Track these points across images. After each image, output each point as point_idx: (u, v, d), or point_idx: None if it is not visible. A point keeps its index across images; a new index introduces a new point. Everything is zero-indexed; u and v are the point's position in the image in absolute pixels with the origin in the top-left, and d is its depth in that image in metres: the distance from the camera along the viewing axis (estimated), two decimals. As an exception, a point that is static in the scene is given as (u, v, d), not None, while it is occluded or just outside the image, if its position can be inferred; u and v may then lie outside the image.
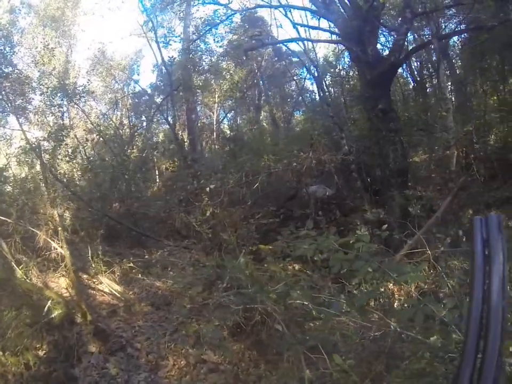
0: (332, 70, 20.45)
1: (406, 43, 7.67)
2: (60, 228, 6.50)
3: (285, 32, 24.45)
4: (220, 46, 16.22)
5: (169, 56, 12.72)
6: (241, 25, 17.94)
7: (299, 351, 3.14)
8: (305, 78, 21.54)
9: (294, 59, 19.29)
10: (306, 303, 3.45)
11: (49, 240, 6.25)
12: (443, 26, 8.64)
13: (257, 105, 21.10)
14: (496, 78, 9.37)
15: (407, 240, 6.35)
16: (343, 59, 16.23)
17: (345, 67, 15.54)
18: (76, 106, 10.16)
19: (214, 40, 16.21)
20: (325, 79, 17.64)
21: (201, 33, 14.42)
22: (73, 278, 5.44)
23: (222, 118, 19.32)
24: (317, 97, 21.01)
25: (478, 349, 0.86)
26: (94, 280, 6.28)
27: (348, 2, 7.71)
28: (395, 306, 5.08)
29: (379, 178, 7.63)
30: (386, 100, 7.43)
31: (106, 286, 5.96)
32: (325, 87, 12.12)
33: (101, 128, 9.51)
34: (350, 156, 6.97)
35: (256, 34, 10.27)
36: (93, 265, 6.56)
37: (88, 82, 11.24)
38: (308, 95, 23.75)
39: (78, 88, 9.95)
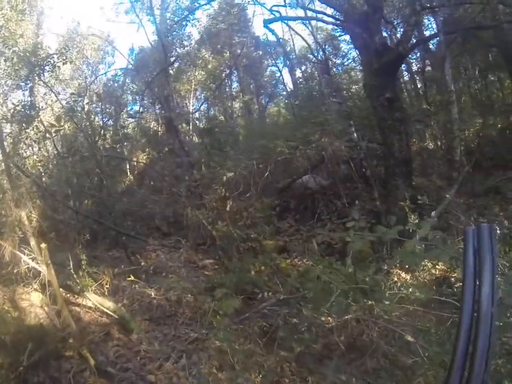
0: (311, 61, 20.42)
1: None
2: (30, 234, 5.36)
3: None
4: (199, 32, 15.20)
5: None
6: (219, 12, 17.08)
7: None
8: (281, 70, 21.13)
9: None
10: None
11: (18, 253, 5.08)
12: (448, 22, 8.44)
13: (232, 95, 20.33)
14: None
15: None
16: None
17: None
18: (43, 83, 8.64)
19: (192, 25, 15.29)
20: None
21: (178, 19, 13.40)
22: (62, 305, 4.47)
23: (196, 109, 18.36)
24: (289, 88, 20.85)
25: (467, 352, 0.89)
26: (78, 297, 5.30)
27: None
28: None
29: (383, 167, 7.27)
30: (393, 89, 7.16)
31: (94, 302, 5.03)
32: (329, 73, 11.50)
33: (71, 114, 8.23)
34: (359, 143, 6.48)
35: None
36: (77, 279, 5.56)
37: (64, 50, 9.70)
38: (282, 86, 23.47)
39: (51, 58, 8.28)
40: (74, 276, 4.95)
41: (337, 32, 13.18)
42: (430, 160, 8.19)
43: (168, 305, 5.22)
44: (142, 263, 7.30)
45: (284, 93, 23.06)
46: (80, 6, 30.21)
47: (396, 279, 5.90)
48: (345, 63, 16.47)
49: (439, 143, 8.57)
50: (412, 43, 7.42)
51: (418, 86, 11.57)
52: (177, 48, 14.46)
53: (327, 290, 3.42)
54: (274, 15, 12.68)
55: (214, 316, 4.38)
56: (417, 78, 11.47)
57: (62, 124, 7.91)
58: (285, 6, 10.74)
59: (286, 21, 11.05)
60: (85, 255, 7.89)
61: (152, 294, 5.63)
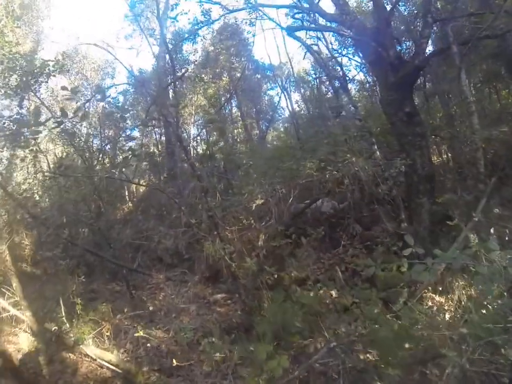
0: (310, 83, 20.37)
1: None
2: (12, 273, 4.63)
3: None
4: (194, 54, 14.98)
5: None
6: (217, 37, 17.01)
7: None
8: (281, 92, 21.00)
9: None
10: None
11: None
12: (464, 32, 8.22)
13: (232, 120, 20.04)
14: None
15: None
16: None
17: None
18: (33, 95, 7.90)
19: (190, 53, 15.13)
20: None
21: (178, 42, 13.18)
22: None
23: (196, 135, 17.99)
24: (288, 112, 20.68)
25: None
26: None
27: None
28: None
29: (405, 185, 6.76)
30: (411, 103, 6.75)
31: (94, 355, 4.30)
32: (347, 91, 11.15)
33: (66, 135, 7.65)
34: (383, 162, 5.96)
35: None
36: (71, 328, 4.83)
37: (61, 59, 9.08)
38: (282, 110, 23.32)
39: (45, 66, 7.46)
40: (67, 324, 4.19)
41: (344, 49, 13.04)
42: (451, 175, 7.70)
43: (180, 351, 4.50)
44: (145, 299, 6.61)
45: (283, 117, 22.97)
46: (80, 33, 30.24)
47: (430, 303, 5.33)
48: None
49: (446, 155, 8.16)
50: (427, 55, 7.07)
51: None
52: (177, 71, 14.18)
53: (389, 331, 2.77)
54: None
55: (240, 364, 3.67)
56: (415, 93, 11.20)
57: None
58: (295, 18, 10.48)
59: (307, 30, 10.65)
60: (82, 289, 7.25)
61: (159, 337, 4.92)
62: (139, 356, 4.57)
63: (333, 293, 5.09)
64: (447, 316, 5.24)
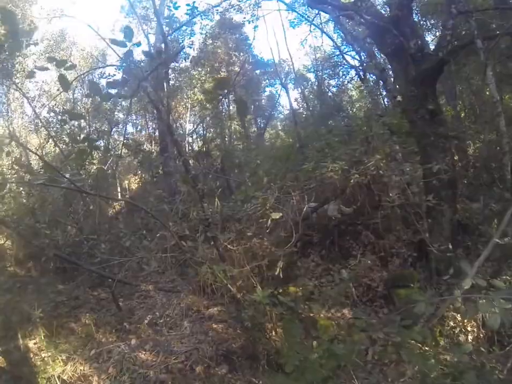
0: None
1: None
2: None
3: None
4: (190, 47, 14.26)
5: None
6: (216, 30, 16.30)
7: None
8: (281, 89, 20.40)
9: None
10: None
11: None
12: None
13: (230, 116, 19.34)
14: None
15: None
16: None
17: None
18: (18, 89, 7.22)
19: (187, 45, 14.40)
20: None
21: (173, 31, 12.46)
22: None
23: (191, 130, 17.25)
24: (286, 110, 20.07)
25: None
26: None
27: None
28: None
29: (424, 191, 6.14)
30: (434, 100, 6.12)
31: None
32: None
33: (53, 130, 6.95)
34: (403, 164, 5.34)
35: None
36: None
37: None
38: (281, 107, 22.69)
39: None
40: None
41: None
42: (475, 181, 7.13)
43: (171, 380, 3.85)
44: (133, 310, 5.94)
45: (282, 114, 22.39)
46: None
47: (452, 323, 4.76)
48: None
49: (467, 159, 7.59)
50: (451, 48, 6.48)
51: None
52: (172, 64, 13.48)
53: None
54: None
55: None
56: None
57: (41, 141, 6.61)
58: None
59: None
60: (61, 290, 6.57)
61: (148, 360, 4.27)
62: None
63: (346, 312, 4.47)
64: (470, 337, 4.71)
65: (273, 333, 4.14)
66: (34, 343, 4.77)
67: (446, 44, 6.24)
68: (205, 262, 3.78)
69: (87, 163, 10.12)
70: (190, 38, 14.11)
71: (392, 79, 7.72)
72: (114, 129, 12.05)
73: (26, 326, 5.11)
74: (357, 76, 12.82)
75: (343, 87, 18.00)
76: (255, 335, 3.97)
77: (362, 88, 15.59)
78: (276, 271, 4.85)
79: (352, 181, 4.81)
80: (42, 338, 4.90)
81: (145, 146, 15.23)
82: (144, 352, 4.41)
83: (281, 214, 4.76)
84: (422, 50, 6.28)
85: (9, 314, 5.10)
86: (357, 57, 13.06)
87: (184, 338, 4.69)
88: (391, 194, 5.30)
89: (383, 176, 5.05)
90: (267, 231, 5.21)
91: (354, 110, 17.13)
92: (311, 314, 4.46)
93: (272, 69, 19.52)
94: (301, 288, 4.90)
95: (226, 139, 18.20)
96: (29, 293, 6.32)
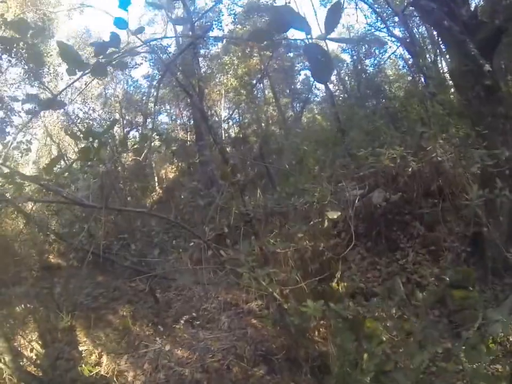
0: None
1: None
2: None
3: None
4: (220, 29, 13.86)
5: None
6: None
7: None
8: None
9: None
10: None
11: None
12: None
13: (265, 101, 18.90)
14: None
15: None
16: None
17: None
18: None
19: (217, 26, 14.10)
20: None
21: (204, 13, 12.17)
22: None
23: (227, 117, 17.04)
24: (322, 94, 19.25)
25: None
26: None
27: None
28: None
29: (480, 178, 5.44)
30: (492, 74, 5.34)
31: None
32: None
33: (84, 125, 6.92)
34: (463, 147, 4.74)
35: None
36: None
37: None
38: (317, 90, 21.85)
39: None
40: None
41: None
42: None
43: (205, 381, 3.65)
44: (170, 303, 5.84)
45: (318, 97, 21.61)
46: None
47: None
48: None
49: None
50: (508, 15, 5.66)
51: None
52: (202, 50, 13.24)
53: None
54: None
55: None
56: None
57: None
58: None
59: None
60: (99, 282, 6.63)
61: (184, 357, 4.10)
62: (158, 382, 3.77)
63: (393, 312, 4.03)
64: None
65: (317, 333, 3.82)
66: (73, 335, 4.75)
67: (501, 10, 5.46)
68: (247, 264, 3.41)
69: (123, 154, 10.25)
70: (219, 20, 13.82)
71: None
72: (149, 120, 12.00)
73: (67, 317, 5.17)
74: (394, 54, 11.88)
75: (380, 66, 16.97)
76: (298, 338, 3.66)
77: (401, 66, 14.60)
78: (319, 263, 4.49)
79: (410, 169, 4.28)
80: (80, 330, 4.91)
81: (180, 135, 15.21)
82: (180, 349, 4.26)
83: (339, 213, 4.32)
84: (476, 17, 5.52)
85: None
86: (396, 31, 12.11)
87: (222, 335, 4.49)
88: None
89: (441, 163, 4.45)
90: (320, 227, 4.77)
91: (393, 90, 16.16)
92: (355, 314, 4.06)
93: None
94: (345, 284, 4.50)
95: (263, 124, 17.86)
96: (70, 284, 6.46)
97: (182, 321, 4.91)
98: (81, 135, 2.49)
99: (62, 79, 11.20)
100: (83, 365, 4.13)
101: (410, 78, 12.86)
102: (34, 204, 7.46)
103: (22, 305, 5.14)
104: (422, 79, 12.22)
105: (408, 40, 12.03)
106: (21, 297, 5.45)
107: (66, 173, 3.33)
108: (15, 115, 9.62)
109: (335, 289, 4.40)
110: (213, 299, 5.49)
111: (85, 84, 8.33)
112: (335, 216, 4.28)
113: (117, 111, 11.50)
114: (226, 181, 4.55)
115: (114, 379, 3.86)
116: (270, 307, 4.70)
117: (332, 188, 4.92)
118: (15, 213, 6.67)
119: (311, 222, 5.01)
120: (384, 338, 3.29)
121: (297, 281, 3.81)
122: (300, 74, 21.10)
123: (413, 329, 3.72)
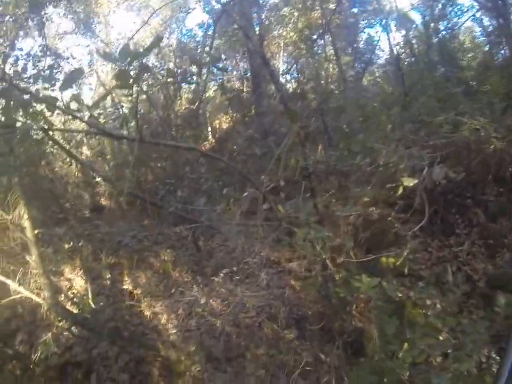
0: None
1: None
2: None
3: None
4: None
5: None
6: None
7: None
8: (381, 31, 17.93)
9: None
10: None
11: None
12: None
13: (326, 58, 17.79)
14: None
15: None
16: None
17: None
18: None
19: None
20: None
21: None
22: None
23: (285, 71, 16.26)
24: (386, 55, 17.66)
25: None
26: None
27: None
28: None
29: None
30: None
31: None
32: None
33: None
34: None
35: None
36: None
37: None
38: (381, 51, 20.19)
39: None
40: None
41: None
42: None
43: (235, 335, 3.65)
44: (212, 253, 5.85)
45: (382, 59, 19.94)
46: None
47: None
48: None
49: None
50: None
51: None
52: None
53: None
54: None
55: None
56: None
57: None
58: None
59: None
60: (141, 229, 6.78)
61: (218, 309, 4.12)
62: (189, 328, 3.83)
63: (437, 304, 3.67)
64: None
65: (355, 307, 3.61)
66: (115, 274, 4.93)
67: None
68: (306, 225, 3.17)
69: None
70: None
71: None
72: (204, 70, 11.67)
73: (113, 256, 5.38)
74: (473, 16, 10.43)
75: (454, 31, 15.07)
76: (337, 310, 3.49)
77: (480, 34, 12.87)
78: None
79: (493, 146, 3.73)
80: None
81: (236, 86, 14.83)
82: (215, 300, 4.27)
83: (416, 181, 3.93)
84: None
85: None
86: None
87: (258, 292, 4.43)
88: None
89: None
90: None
91: (467, 60, 14.41)
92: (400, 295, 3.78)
93: (371, 8, 17.10)
94: (393, 261, 4.17)
95: (322, 82, 16.97)
96: (118, 226, 6.68)
97: (222, 274, 4.89)
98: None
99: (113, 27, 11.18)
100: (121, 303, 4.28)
101: (487, 48, 11.32)
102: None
103: (71, 243, 5.34)
104: (502, 52, 10.71)
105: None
106: (69, 236, 5.67)
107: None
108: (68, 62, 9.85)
109: (384, 265, 4.11)
110: (255, 254, 5.39)
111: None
112: (411, 184, 3.87)
113: (171, 60, 11.32)
114: (293, 123, 4.21)
115: (149, 319, 3.97)
116: (313, 271, 4.52)
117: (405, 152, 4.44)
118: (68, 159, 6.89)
119: (386, 186, 4.57)
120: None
121: (349, 250, 3.55)
122: (364, 32, 19.53)
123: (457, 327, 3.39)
